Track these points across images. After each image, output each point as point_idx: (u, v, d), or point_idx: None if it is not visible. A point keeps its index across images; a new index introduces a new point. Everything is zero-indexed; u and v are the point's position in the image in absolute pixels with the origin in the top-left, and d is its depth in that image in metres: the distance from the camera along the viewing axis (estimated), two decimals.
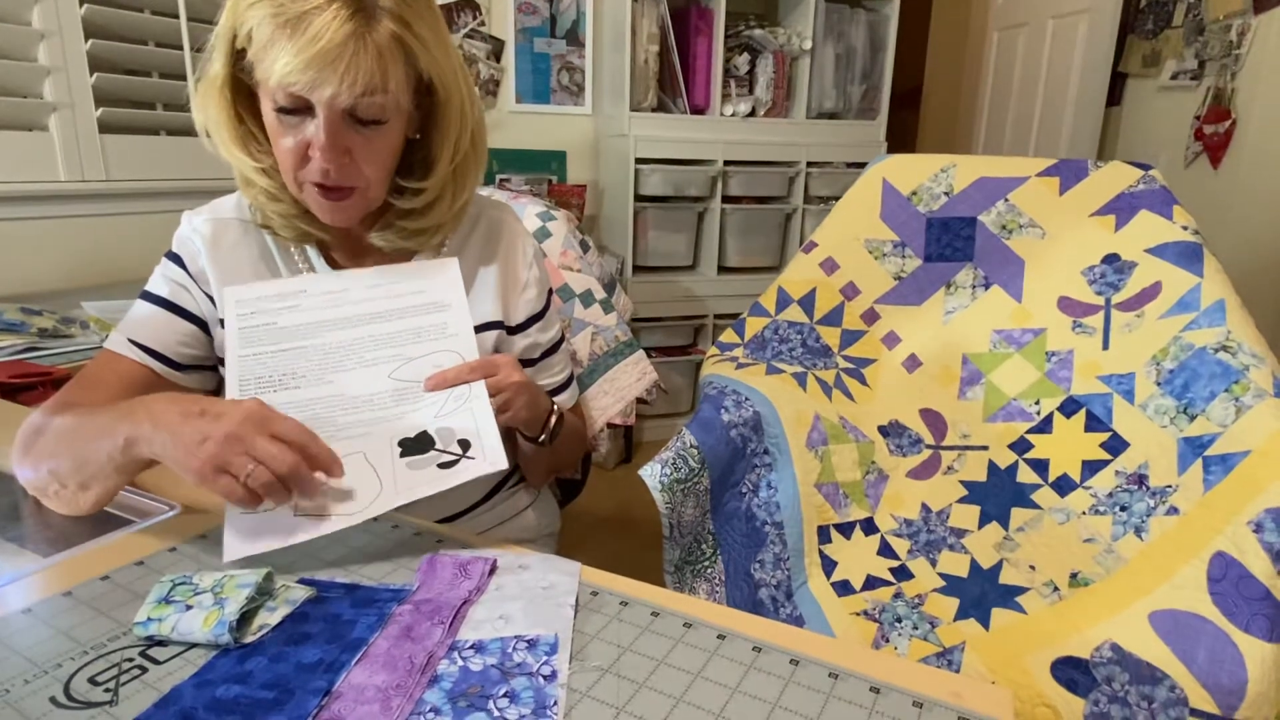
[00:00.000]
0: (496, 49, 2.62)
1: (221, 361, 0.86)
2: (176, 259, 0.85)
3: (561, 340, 0.99)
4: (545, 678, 0.52)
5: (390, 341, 0.78)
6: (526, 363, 0.94)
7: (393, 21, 0.71)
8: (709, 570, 1.13)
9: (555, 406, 0.89)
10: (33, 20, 1.62)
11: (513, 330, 0.92)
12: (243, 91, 0.77)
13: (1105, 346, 1.19)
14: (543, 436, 0.87)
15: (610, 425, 1.26)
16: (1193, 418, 1.05)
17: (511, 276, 0.91)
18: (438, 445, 0.71)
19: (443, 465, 0.70)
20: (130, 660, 0.53)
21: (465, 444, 0.71)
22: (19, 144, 1.64)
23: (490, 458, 0.70)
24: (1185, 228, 1.19)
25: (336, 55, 0.68)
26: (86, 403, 0.76)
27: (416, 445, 0.71)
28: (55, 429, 0.71)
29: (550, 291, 0.98)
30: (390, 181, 0.81)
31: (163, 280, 0.85)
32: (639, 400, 1.28)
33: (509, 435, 1.01)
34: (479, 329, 0.87)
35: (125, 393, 0.79)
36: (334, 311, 0.78)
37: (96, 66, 1.71)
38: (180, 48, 1.86)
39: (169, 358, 0.83)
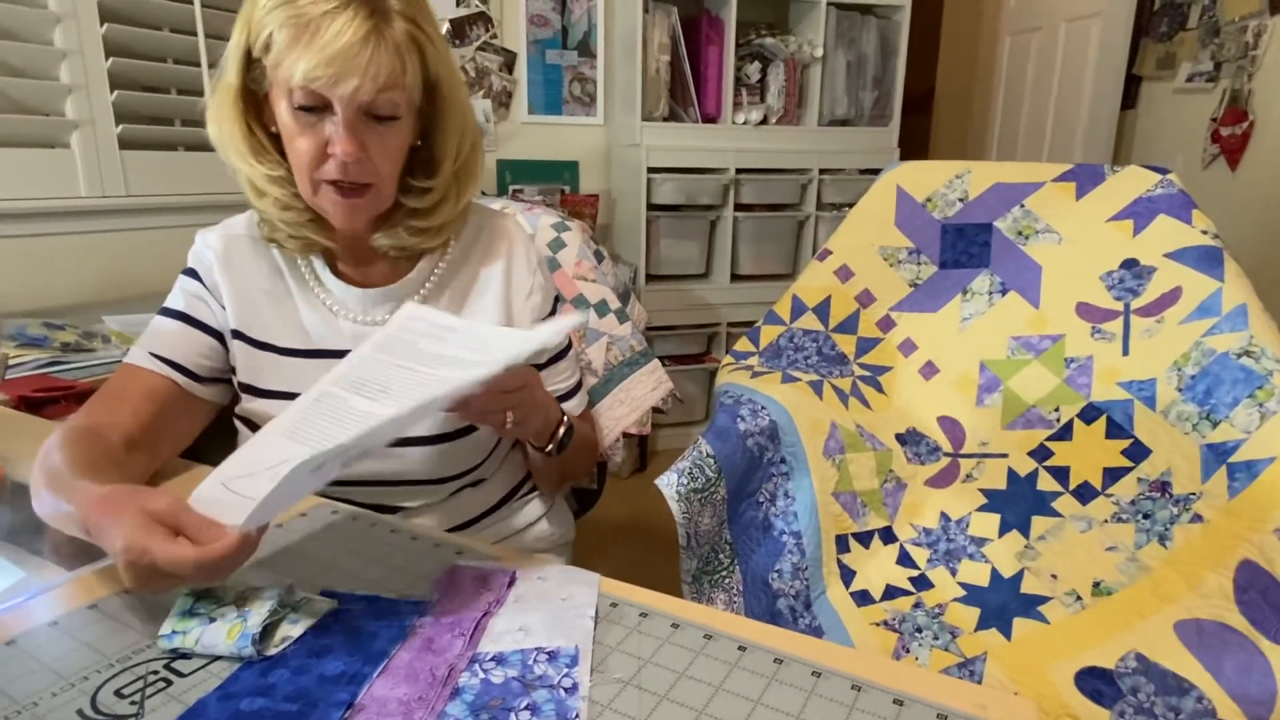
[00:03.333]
0: (509, 61, 2.64)
1: (234, 370, 0.87)
2: (193, 273, 0.87)
3: (569, 346, 1.00)
4: (567, 690, 0.52)
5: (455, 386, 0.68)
6: (534, 367, 0.95)
7: (405, 21, 0.75)
8: (726, 580, 1.13)
9: (565, 416, 0.89)
10: (55, 40, 1.65)
11: None
12: (252, 103, 0.80)
13: (1125, 352, 1.18)
14: (550, 447, 0.88)
15: (625, 435, 1.26)
16: (1216, 424, 1.04)
17: (515, 282, 0.93)
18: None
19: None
20: (155, 673, 0.53)
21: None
22: (42, 161, 1.66)
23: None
24: (1205, 232, 1.18)
25: (358, 51, 0.71)
26: (110, 418, 0.77)
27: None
28: (59, 482, 0.67)
29: (556, 298, 0.99)
30: (399, 182, 0.84)
31: (180, 295, 0.87)
32: (654, 409, 1.28)
33: (518, 445, 1.02)
34: None
35: (148, 405, 0.81)
36: (467, 355, 0.70)
37: (117, 84, 1.74)
38: (198, 64, 1.89)
39: (190, 370, 0.84)
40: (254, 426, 0.86)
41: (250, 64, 0.77)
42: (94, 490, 0.61)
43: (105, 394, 0.81)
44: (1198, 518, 1.00)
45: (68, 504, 0.63)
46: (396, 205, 0.85)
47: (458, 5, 2.54)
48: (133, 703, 0.50)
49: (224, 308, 0.86)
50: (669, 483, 1.07)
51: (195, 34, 1.87)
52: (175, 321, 0.85)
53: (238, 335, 0.86)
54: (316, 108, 0.74)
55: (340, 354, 0.86)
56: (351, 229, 0.83)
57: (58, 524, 0.67)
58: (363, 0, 0.72)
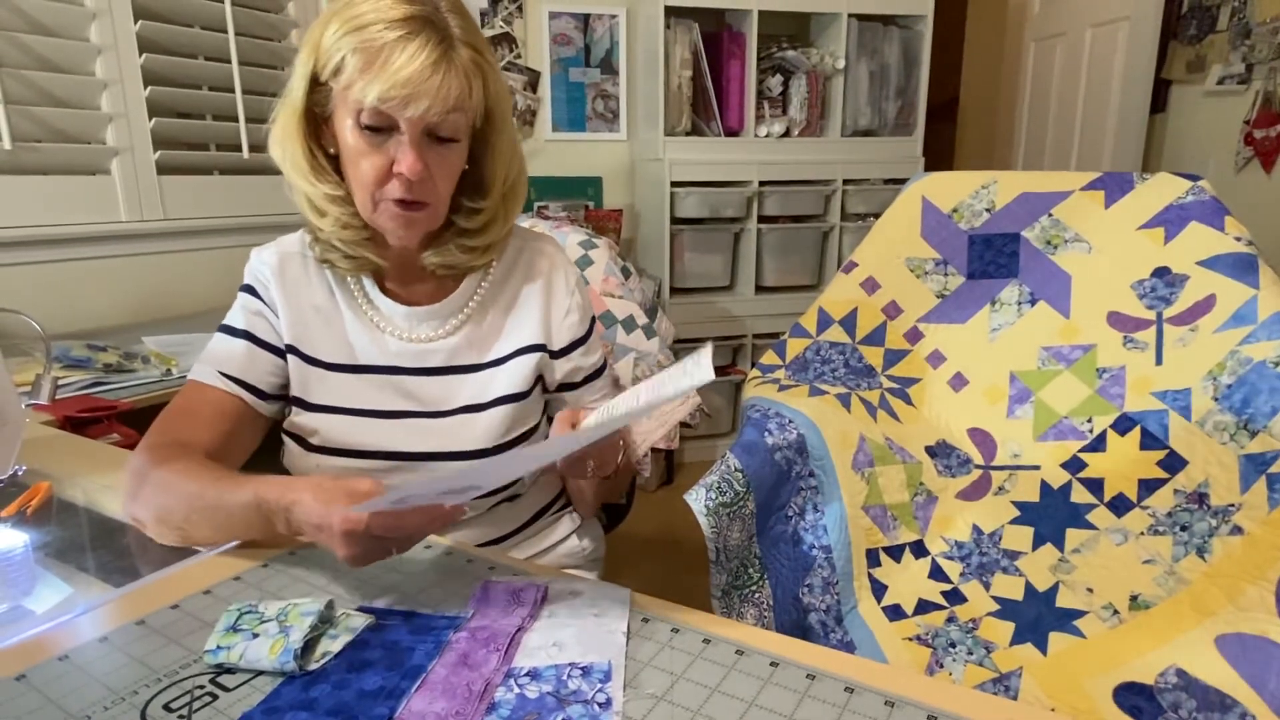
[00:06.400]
0: (533, 80, 2.68)
1: (287, 385, 0.89)
2: (250, 289, 0.89)
3: (605, 366, 1.01)
4: (600, 705, 0.52)
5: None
6: (569, 386, 0.96)
7: (468, 49, 0.78)
8: (756, 595, 1.13)
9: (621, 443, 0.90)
10: (96, 71, 1.71)
11: (555, 354, 0.94)
12: (312, 124, 0.83)
13: (1158, 362, 1.16)
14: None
15: (653, 449, 1.26)
16: (1254, 434, 1.02)
17: (554, 302, 0.94)
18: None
19: None
20: (201, 687, 0.54)
21: None
22: (84, 188, 1.72)
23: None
24: (1238, 239, 1.16)
25: (430, 75, 0.75)
26: (186, 435, 0.80)
27: None
28: (182, 492, 0.74)
29: (593, 319, 1.00)
30: (450, 201, 0.87)
31: (241, 312, 0.89)
32: (682, 424, 1.28)
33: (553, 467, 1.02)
34: (520, 351, 0.90)
35: (220, 422, 0.84)
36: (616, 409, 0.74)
37: (154, 111, 1.79)
38: (232, 90, 1.94)
39: (258, 388, 0.86)
40: (300, 441, 0.89)
41: (314, 88, 0.80)
42: (287, 479, 0.70)
43: (176, 412, 0.83)
44: (1237, 530, 0.98)
45: (235, 493, 0.70)
46: (447, 224, 0.88)
47: (482, 27, 2.58)
48: (181, 716, 0.52)
49: (280, 323, 0.88)
50: (697, 497, 1.08)
51: (229, 61, 1.92)
52: (240, 340, 0.87)
53: (291, 350, 0.88)
54: (382, 128, 0.78)
55: (385, 370, 0.89)
56: (406, 244, 0.86)
57: (171, 522, 0.73)
58: (432, 28, 0.75)
